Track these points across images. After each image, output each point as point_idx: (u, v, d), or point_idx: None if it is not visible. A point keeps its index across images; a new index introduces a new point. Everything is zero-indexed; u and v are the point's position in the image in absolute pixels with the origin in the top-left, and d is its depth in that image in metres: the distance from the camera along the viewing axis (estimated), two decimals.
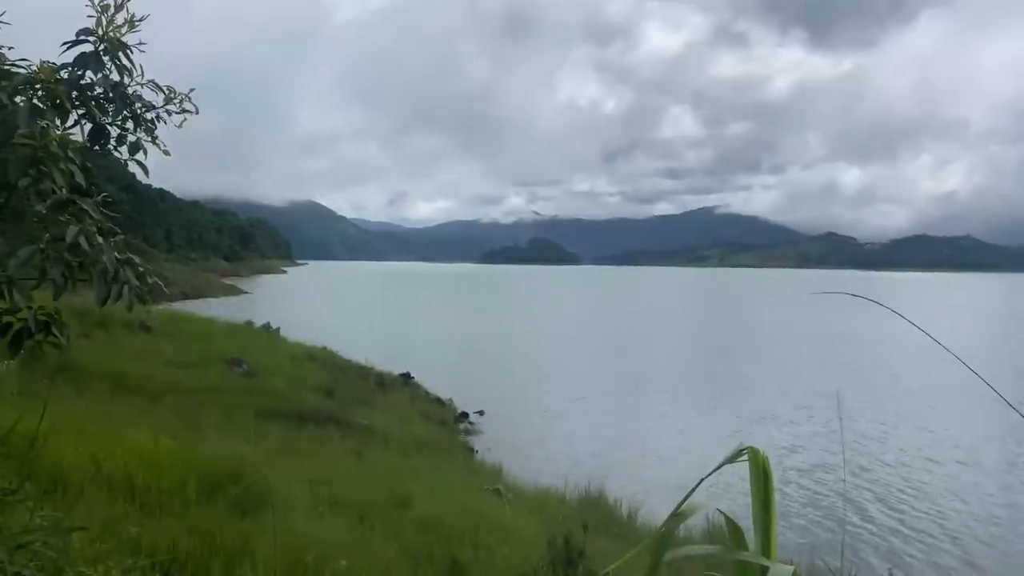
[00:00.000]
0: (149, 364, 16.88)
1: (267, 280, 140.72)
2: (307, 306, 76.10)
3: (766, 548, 1.17)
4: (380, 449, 16.57)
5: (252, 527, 5.51)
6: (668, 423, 26.66)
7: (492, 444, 22.31)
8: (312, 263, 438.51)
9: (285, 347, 25.98)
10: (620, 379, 36.51)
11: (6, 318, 2.58)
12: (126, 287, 2.48)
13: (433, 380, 30.57)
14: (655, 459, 21.87)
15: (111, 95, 2.63)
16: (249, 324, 27.05)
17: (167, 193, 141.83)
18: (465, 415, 25.71)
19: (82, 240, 2.33)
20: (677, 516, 1.21)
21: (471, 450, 21.20)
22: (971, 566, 14.48)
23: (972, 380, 1.49)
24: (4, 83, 2.29)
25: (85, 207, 2.48)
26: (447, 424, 23.75)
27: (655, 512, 14.69)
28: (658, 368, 40.20)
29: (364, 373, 26.02)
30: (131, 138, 2.79)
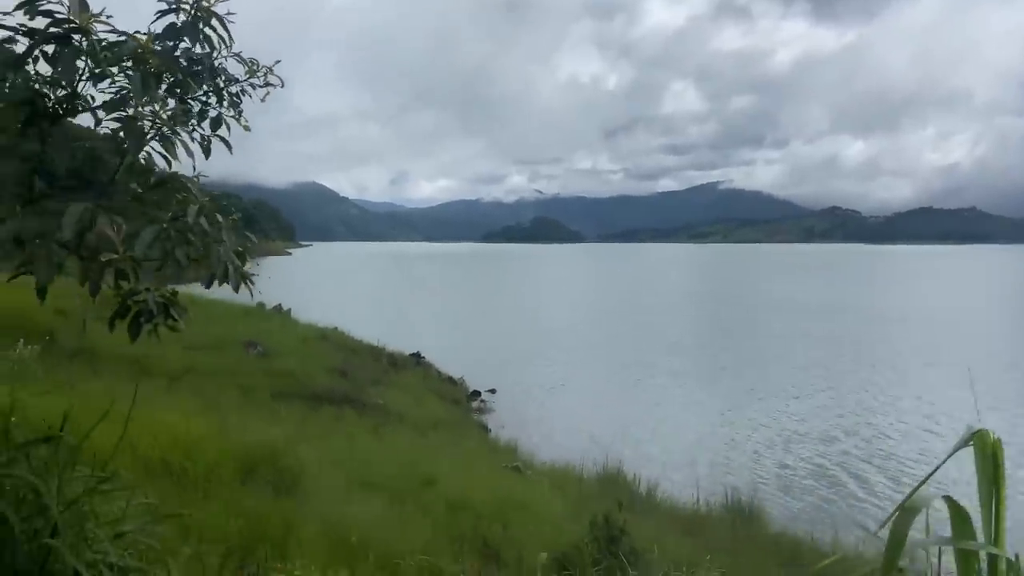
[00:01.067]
0: (166, 346, 16.78)
1: (272, 262, 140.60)
2: (314, 287, 76.12)
3: (994, 536, 1.12)
4: (397, 428, 16.62)
5: (292, 509, 5.51)
6: (677, 400, 26.70)
7: (505, 422, 22.37)
8: (316, 244, 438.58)
9: (297, 329, 25.98)
10: (628, 356, 36.53)
11: (127, 301, 2.52)
12: (230, 267, 2.42)
13: (443, 359, 30.60)
14: (665, 436, 21.91)
15: (199, 68, 2.53)
16: (261, 306, 27.00)
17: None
18: (477, 393, 25.76)
19: (202, 220, 2.26)
20: (907, 511, 1.15)
21: (485, 428, 21.25)
22: None
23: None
24: (108, 54, 2.20)
25: (188, 185, 2.41)
26: (460, 403, 23.80)
27: (673, 489, 14.74)
28: (666, 345, 40.19)
29: (376, 353, 26.05)
30: (212, 113, 2.70)
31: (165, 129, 2.26)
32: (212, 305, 24.18)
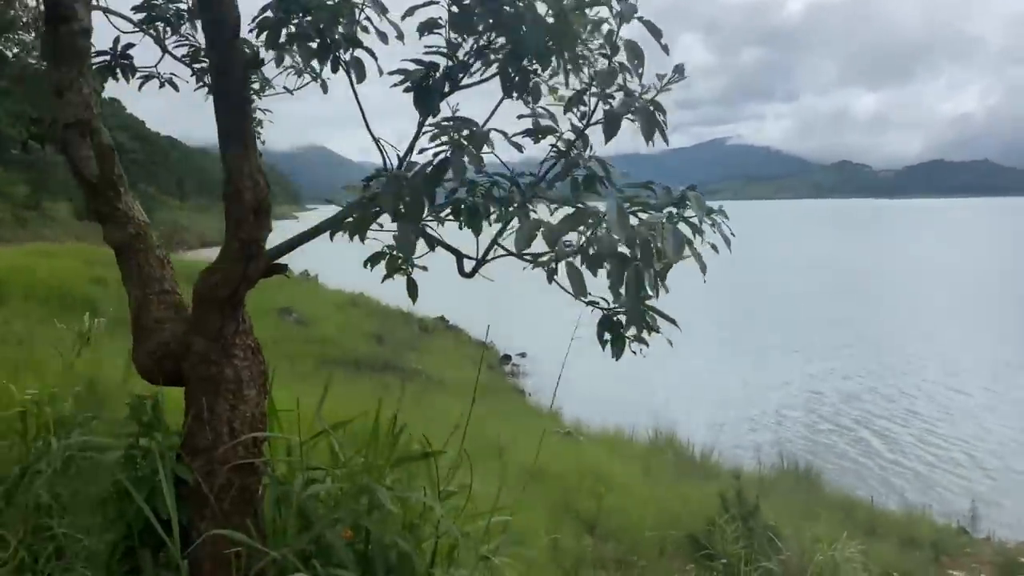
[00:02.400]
0: None
1: (280, 225, 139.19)
2: (326, 252, 75.86)
3: None
4: (440, 394, 16.47)
5: None
6: (716, 362, 26.48)
7: (540, 386, 22.21)
8: (322, 208, 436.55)
9: (327, 295, 25.81)
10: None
11: None
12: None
13: (467, 322, 30.38)
14: (709, 398, 21.78)
15: None
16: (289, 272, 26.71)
17: (176, 141, 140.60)
18: (508, 357, 25.61)
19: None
20: None
21: (521, 392, 21.13)
22: None
23: None
24: None
25: None
26: (493, 367, 23.68)
27: (726, 454, 14.57)
28: (699, 307, 39.88)
29: (405, 318, 25.87)
30: None
31: None
32: None
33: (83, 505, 2.93)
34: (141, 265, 3.31)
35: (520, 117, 2.36)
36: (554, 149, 2.31)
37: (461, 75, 2.46)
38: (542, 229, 1.95)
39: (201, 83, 3.97)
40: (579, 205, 2.11)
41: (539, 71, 2.41)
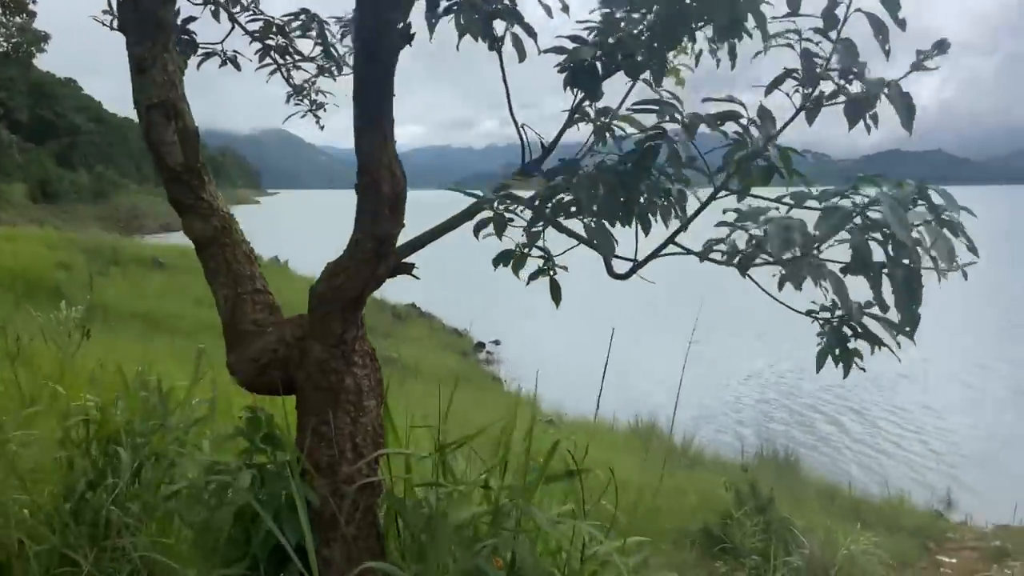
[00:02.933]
0: (177, 302, 16.27)
1: (242, 211, 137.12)
2: (291, 237, 74.81)
3: None
4: (417, 382, 16.26)
5: None
6: (666, 346, 26.57)
7: (515, 374, 22.09)
8: (283, 192, 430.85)
9: (298, 281, 25.31)
10: (622, 303, 36.39)
11: None
12: None
13: (441, 310, 30.15)
14: (672, 386, 21.86)
15: None
16: (258, 257, 26.14)
17: (134, 123, 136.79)
18: (482, 345, 25.47)
19: None
20: None
21: (497, 380, 21.01)
22: None
23: None
24: None
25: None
26: (468, 355, 23.53)
27: (706, 441, 14.63)
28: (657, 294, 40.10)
29: (379, 305, 25.54)
30: None
31: None
32: None
33: (201, 531, 2.66)
34: (229, 261, 3.04)
35: (705, 100, 2.12)
36: (737, 135, 2.09)
37: (620, 53, 2.23)
38: (796, 232, 1.75)
39: (265, 63, 3.75)
40: (783, 201, 1.86)
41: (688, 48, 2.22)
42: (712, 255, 2.07)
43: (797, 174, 2.01)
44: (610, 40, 2.21)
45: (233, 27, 3.75)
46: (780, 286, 1.85)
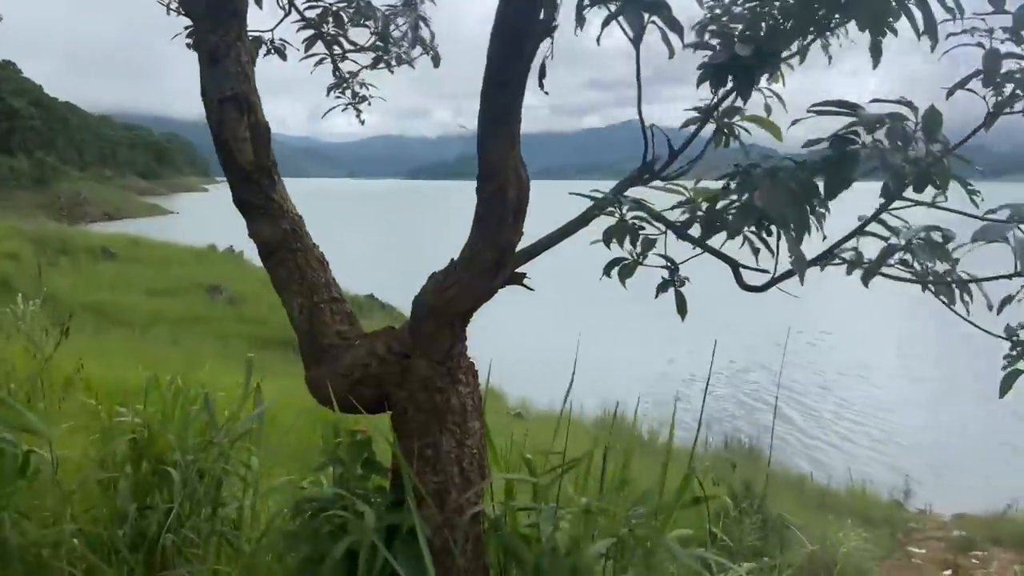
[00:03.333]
0: (129, 293, 15.74)
1: (190, 199, 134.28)
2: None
3: None
4: None
5: None
6: (636, 338, 26.86)
7: (481, 366, 21.92)
8: None
9: (255, 272, 24.76)
10: (587, 292, 36.49)
11: None
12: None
13: (399, 301, 29.80)
14: (635, 375, 22.03)
15: None
16: (213, 248, 25.55)
17: (75, 107, 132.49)
18: None
19: None
20: None
21: None
22: None
23: None
24: None
25: None
26: None
27: (665, 429, 14.70)
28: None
29: None
30: None
31: None
32: (161, 247, 22.86)
33: (303, 564, 2.42)
34: (302, 267, 2.81)
35: (873, 101, 1.92)
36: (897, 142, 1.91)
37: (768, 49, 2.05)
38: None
39: (310, 53, 3.52)
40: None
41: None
42: (835, 263, 1.97)
43: (963, 182, 1.86)
44: (760, 33, 2.05)
45: (288, 12, 3.53)
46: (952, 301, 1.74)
